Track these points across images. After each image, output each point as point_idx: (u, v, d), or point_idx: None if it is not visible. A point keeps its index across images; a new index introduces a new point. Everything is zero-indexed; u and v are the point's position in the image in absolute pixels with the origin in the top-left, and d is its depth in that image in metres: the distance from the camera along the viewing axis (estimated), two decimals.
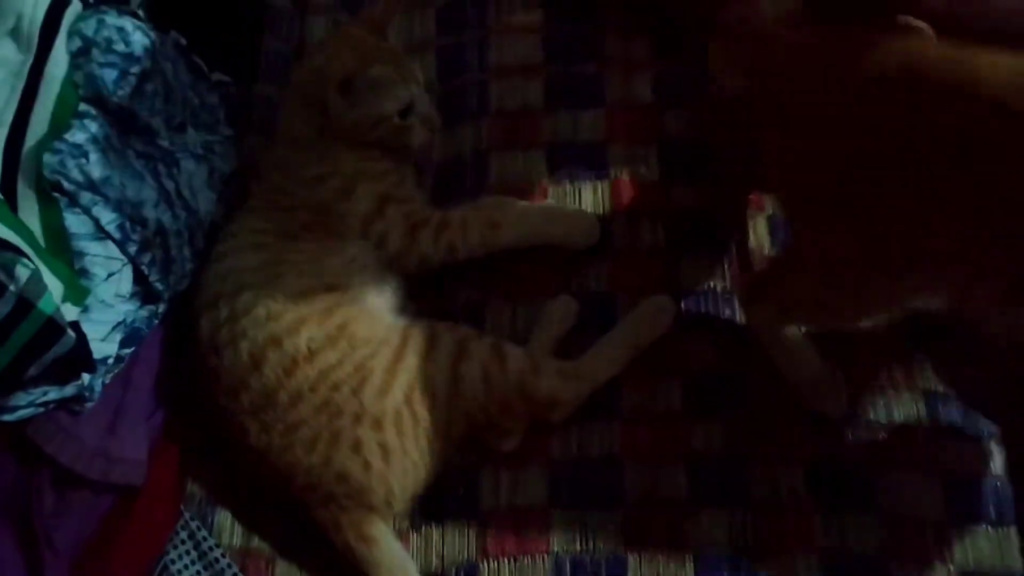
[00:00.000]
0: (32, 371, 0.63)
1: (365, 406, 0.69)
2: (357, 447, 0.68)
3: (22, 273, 0.60)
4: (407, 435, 0.70)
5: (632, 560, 0.72)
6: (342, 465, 0.68)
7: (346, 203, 0.75)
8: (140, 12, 0.80)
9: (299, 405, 0.69)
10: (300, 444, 0.68)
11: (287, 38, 0.94)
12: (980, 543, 0.73)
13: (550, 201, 0.85)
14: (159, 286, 0.70)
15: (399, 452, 0.69)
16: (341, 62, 0.75)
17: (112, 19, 0.73)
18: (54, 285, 0.63)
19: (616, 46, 0.93)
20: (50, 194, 0.65)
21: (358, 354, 0.70)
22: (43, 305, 0.61)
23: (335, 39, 0.82)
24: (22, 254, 0.61)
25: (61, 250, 0.65)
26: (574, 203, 0.85)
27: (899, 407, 0.76)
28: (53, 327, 0.62)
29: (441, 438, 0.71)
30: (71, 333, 0.63)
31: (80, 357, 0.65)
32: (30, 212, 0.66)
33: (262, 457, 0.69)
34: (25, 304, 0.60)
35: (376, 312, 0.74)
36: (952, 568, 0.72)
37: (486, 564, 0.72)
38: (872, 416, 0.76)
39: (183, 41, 0.81)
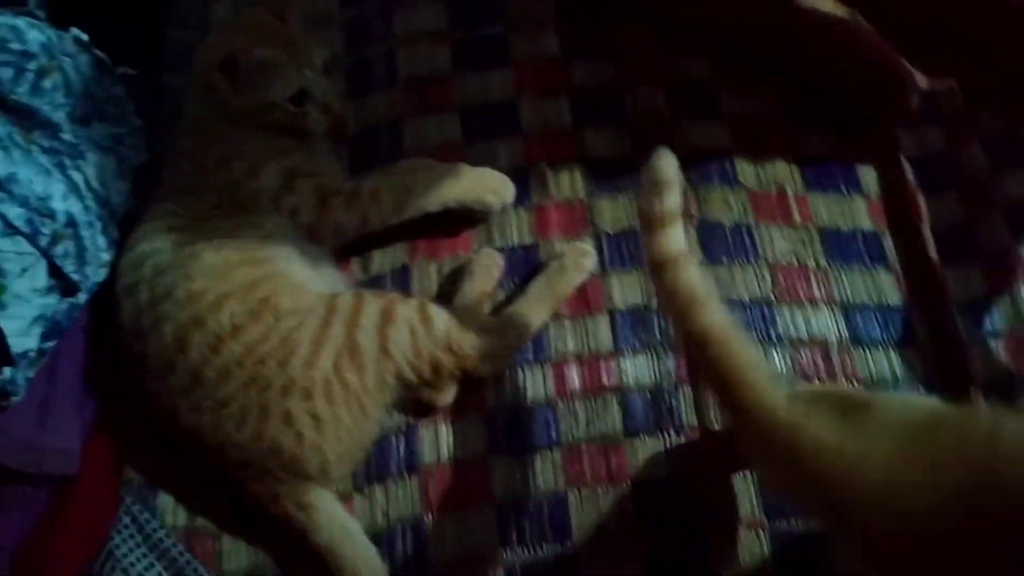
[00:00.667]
0: None
1: (293, 377, 0.69)
2: (288, 419, 0.69)
3: None
4: (338, 402, 0.70)
5: (573, 496, 0.74)
6: (274, 438, 0.69)
7: (254, 181, 0.76)
8: (39, 12, 0.80)
9: (227, 382, 0.69)
10: (230, 421, 0.69)
11: (193, 26, 0.94)
12: None
13: (463, 164, 0.86)
14: (75, 277, 0.70)
15: (331, 420, 0.70)
16: (227, 44, 0.75)
17: (5, 19, 0.73)
18: None
19: (519, 5, 0.95)
20: None
21: (283, 326, 0.71)
22: None
23: (230, 22, 0.82)
24: None
25: None
26: (490, 163, 0.86)
27: None
28: None
29: (374, 402, 0.72)
30: None
31: None
32: None
33: (195, 437, 0.70)
34: None
35: (299, 283, 0.75)
36: None
37: (431, 517, 0.74)
38: None
39: (84, 37, 0.81)
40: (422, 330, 0.73)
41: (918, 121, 0.90)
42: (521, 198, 0.85)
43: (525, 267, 0.82)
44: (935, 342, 0.80)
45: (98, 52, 0.81)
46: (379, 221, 0.79)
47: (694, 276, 0.59)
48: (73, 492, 0.68)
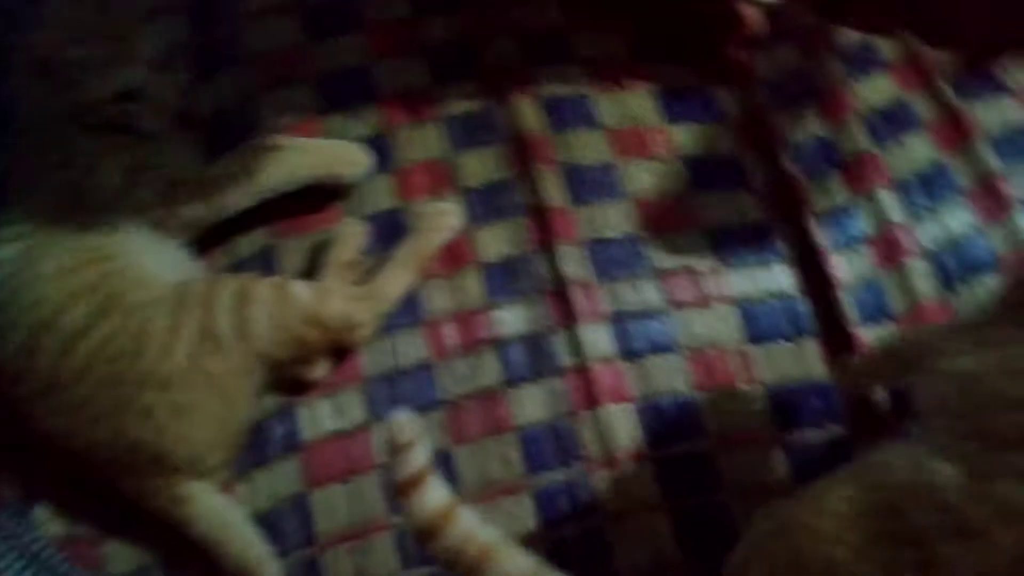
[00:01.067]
0: None
1: (149, 370, 0.68)
2: (147, 413, 0.68)
3: None
4: (200, 390, 0.69)
5: (459, 452, 0.74)
6: (135, 434, 0.67)
7: (94, 180, 0.73)
8: None
9: (82, 383, 0.67)
10: (90, 421, 0.67)
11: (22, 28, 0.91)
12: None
13: (312, 139, 0.84)
14: None
15: (194, 409, 0.69)
16: (41, 43, 0.73)
17: None
18: None
19: None
20: None
21: (134, 321, 0.69)
22: None
23: (51, 18, 0.79)
24: None
25: None
26: (349, 131, 0.85)
27: None
28: None
29: (240, 386, 0.71)
30: None
31: None
32: None
33: (59, 442, 0.68)
34: None
35: (151, 276, 0.73)
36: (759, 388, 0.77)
37: (317, 492, 0.73)
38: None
39: None
40: (282, 307, 0.72)
41: (771, 41, 0.90)
42: (384, 163, 0.84)
43: (394, 232, 0.81)
44: (799, 252, 0.81)
45: None
46: (230, 206, 0.78)
47: (471, 523, 0.58)
48: None
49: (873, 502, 0.50)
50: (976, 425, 0.48)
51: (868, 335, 0.77)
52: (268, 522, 0.72)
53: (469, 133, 0.86)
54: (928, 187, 0.84)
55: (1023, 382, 0.47)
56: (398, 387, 0.76)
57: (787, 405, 0.77)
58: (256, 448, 0.75)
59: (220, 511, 0.70)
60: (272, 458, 0.74)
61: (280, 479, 0.74)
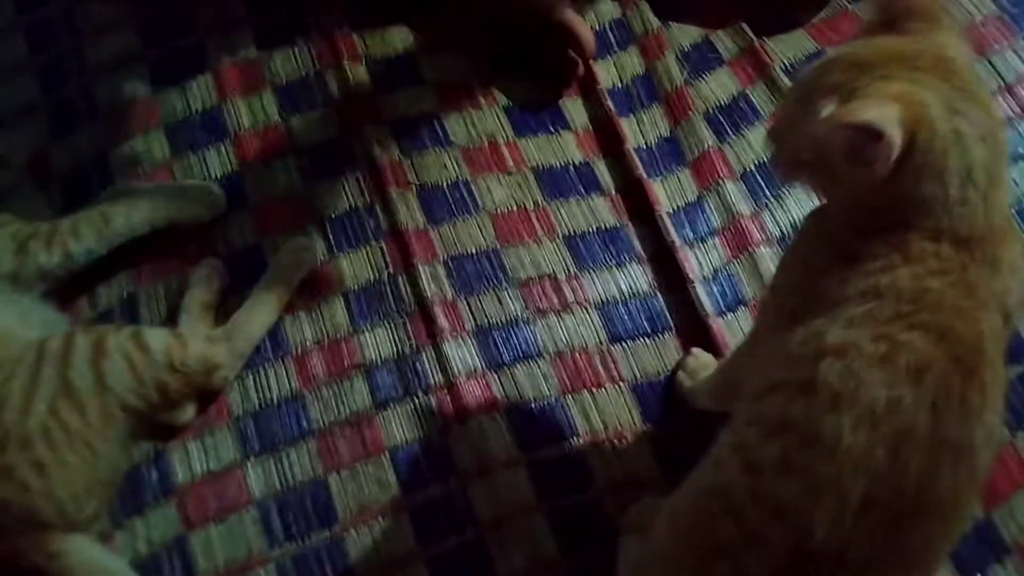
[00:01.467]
0: None
1: (8, 429, 0.68)
2: (8, 472, 0.67)
3: None
4: (61, 446, 0.69)
5: (333, 479, 0.75)
6: (0, 495, 0.68)
7: None
8: None
9: None
10: None
11: None
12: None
13: (166, 183, 0.85)
14: None
15: (57, 464, 0.68)
16: None
17: None
18: None
19: (209, 13, 0.93)
20: None
21: None
22: None
23: None
24: None
25: None
26: (202, 172, 0.86)
27: None
28: None
29: (103, 437, 0.71)
30: None
31: None
32: None
33: None
34: None
35: (8, 335, 0.73)
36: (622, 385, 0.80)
37: (194, 534, 0.73)
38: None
39: None
40: (139, 356, 0.72)
41: (613, 49, 0.95)
42: (241, 199, 0.85)
43: (254, 268, 0.81)
44: (653, 252, 0.85)
45: None
46: (85, 253, 0.78)
47: None
48: None
49: (698, 511, 0.52)
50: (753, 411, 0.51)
51: (723, 324, 0.81)
52: (149, 568, 0.72)
53: (324, 163, 0.87)
54: (771, 176, 0.88)
55: (776, 368, 0.51)
56: (268, 422, 0.77)
57: (650, 399, 0.80)
58: (132, 495, 0.74)
59: (97, 562, 0.70)
60: (148, 504, 0.74)
61: (158, 524, 0.74)
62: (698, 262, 0.84)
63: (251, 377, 0.78)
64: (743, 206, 0.86)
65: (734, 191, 0.87)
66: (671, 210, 0.86)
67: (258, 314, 0.78)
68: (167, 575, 0.72)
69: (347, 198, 0.85)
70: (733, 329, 0.81)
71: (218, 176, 0.85)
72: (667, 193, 0.87)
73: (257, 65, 0.91)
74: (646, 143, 0.90)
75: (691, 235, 0.85)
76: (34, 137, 0.89)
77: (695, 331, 0.81)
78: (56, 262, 0.77)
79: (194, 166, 0.86)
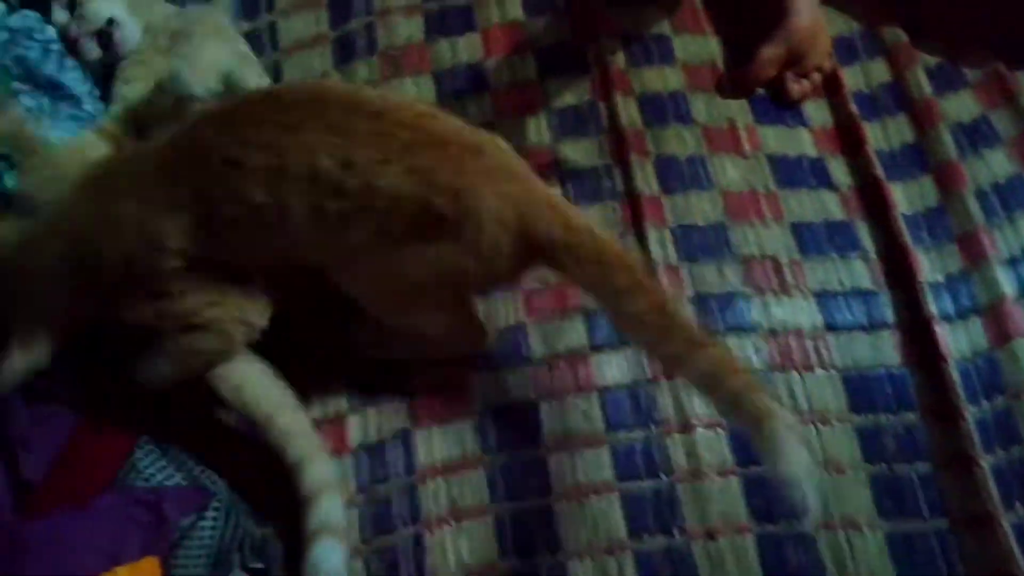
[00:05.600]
0: None
1: None
2: None
3: None
4: None
5: (544, 405, 0.81)
6: None
7: None
8: None
9: None
10: None
11: None
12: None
13: None
14: None
15: None
16: None
17: (32, 15, 0.85)
18: None
19: None
20: None
21: None
22: None
23: None
24: None
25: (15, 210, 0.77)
26: (461, 118, 0.92)
27: None
28: None
29: None
30: None
31: None
32: None
33: None
34: None
35: None
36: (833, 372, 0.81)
37: (418, 431, 0.81)
38: None
39: None
40: None
41: (861, 55, 0.96)
42: None
43: None
44: (884, 253, 0.86)
45: None
46: None
47: None
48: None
49: None
50: None
51: (948, 331, 0.81)
52: (376, 451, 0.80)
53: (572, 125, 0.94)
54: (1006, 197, 0.88)
55: None
56: (494, 343, 0.84)
57: (860, 390, 0.81)
58: (365, 389, 0.83)
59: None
60: (382, 397, 0.82)
61: (388, 417, 0.82)
62: (929, 264, 0.84)
63: (482, 305, 0.86)
64: (980, 219, 0.86)
65: (974, 205, 0.87)
66: (907, 212, 0.87)
67: None
68: (391, 459, 0.81)
69: (589, 158, 0.92)
70: (957, 333, 0.81)
71: (474, 123, 0.94)
72: (906, 196, 0.88)
73: (521, 29, 1.00)
74: (888, 147, 0.91)
75: (927, 239, 0.86)
76: (315, 67, 1.01)
77: (915, 331, 0.82)
78: None
79: (454, 110, 0.95)
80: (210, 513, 0.75)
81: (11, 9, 0.86)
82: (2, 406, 0.73)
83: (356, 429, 0.82)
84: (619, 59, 0.96)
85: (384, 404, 0.82)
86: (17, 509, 0.70)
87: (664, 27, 0.98)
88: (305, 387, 0.79)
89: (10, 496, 0.69)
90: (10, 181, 0.75)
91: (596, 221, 0.87)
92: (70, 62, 0.83)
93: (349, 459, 0.80)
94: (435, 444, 0.80)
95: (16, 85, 0.80)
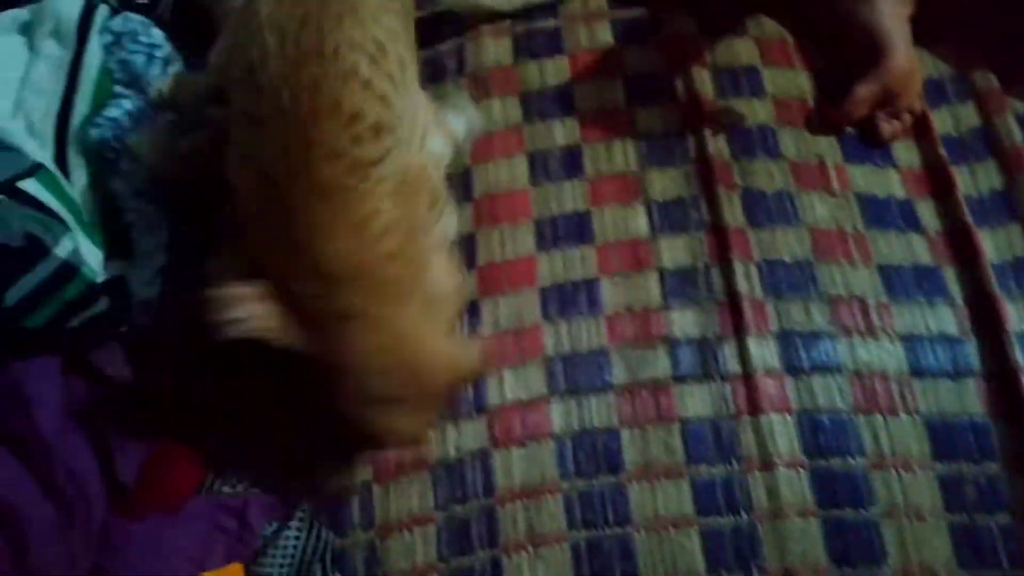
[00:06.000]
0: (73, 322, 0.74)
1: None
2: None
3: (66, 244, 0.71)
4: None
5: (625, 433, 0.81)
6: None
7: None
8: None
9: None
10: None
11: None
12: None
13: None
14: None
15: None
16: None
17: (135, 17, 0.86)
18: (95, 254, 0.75)
19: (576, 5, 1.03)
20: (97, 162, 0.77)
21: None
22: (85, 271, 0.72)
23: None
24: (67, 226, 0.73)
25: (110, 208, 0.77)
26: (547, 141, 0.95)
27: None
28: (93, 291, 0.73)
29: None
30: (104, 299, 0.73)
31: (115, 315, 0.75)
32: (81, 177, 0.78)
33: None
34: (69, 268, 0.70)
35: None
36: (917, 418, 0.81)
37: (497, 451, 0.82)
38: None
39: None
40: None
41: (951, 99, 0.96)
42: (579, 171, 0.94)
43: (583, 236, 0.90)
44: (971, 300, 0.85)
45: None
46: None
47: None
48: None
49: None
50: None
51: None
52: (455, 470, 0.80)
53: (659, 154, 0.94)
54: None
55: None
56: (575, 367, 0.84)
57: (943, 437, 0.80)
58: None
59: None
60: (462, 416, 0.83)
61: (468, 435, 0.82)
62: (1017, 314, 0.84)
63: (565, 325, 0.86)
64: None
65: None
66: (996, 261, 0.86)
67: None
68: (469, 480, 0.81)
69: (676, 188, 0.92)
70: None
71: (560, 146, 0.95)
72: (994, 244, 0.88)
73: (609, 55, 1.00)
74: (976, 193, 0.91)
75: (1015, 289, 0.85)
76: None
77: (1001, 380, 0.81)
78: None
79: (540, 132, 0.96)
80: (294, 523, 0.76)
81: (114, 12, 0.87)
82: (96, 408, 0.74)
83: (434, 445, 0.82)
84: (708, 89, 0.96)
85: (462, 422, 0.83)
86: (111, 510, 0.71)
87: (754, 59, 0.98)
88: None
89: (105, 497, 0.70)
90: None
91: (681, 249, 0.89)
92: (172, 69, 0.84)
93: (427, 475, 0.81)
94: (514, 466, 0.81)
95: (118, 89, 0.81)
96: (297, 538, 0.75)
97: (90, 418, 0.72)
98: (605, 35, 1.01)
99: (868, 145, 0.91)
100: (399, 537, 0.78)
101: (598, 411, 0.82)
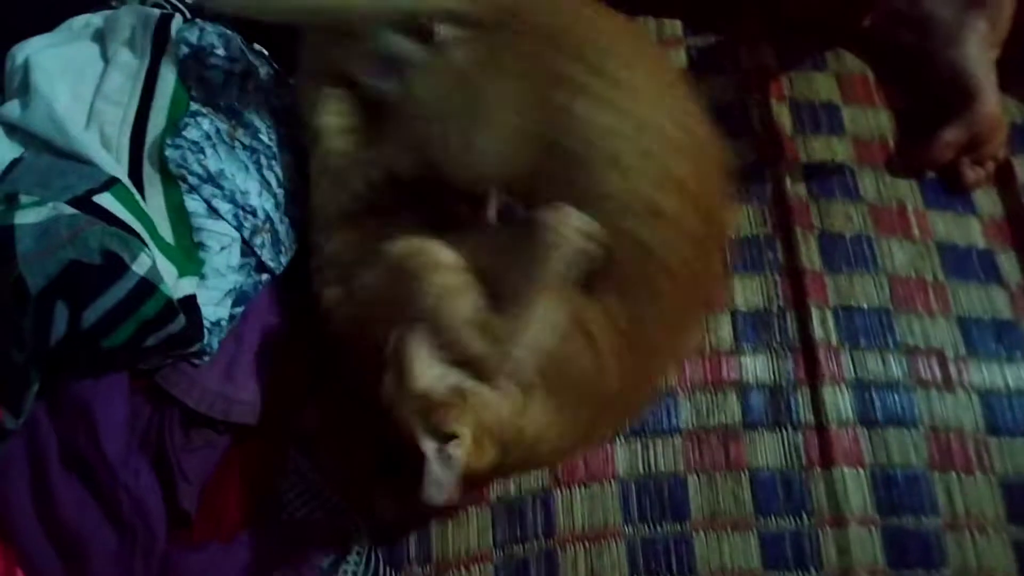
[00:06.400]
0: (150, 341, 0.73)
1: None
2: None
3: (144, 260, 0.69)
4: None
5: (692, 479, 0.79)
6: None
7: None
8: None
9: None
10: None
11: None
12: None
13: None
14: (271, 264, 0.78)
15: None
16: None
17: (212, 28, 0.83)
18: (169, 270, 0.73)
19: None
20: (172, 178, 0.75)
21: None
22: (164, 288, 0.69)
23: None
24: (143, 242, 0.71)
25: (183, 225, 0.75)
26: None
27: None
28: (171, 308, 0.70)
29: None
30: (182, 317, 0.71)
31: (190, 334, 0.74)
32: (155, 193, 0.75)
33: None
34: (148, 285, 0.68)
35: None
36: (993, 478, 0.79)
37: (559, 491, 0.80)
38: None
39: (264, 51, 0.90)
40: None
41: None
42: None
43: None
44: None
45: (274, 63, 0.91)
46: None
47: None
48: (248, 440, 0.77)
49: None
50: None
51: None
52: (515, 508, 0.79)
53: (732, 187, 0.92)
54: None
55: None
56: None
57: (1019, 499, 0.78)
58: None
59: None
60: None
61: (529, 476, 0.80)
62: None
63: None
64: None
65: None
66: None
67: None
68: (529, 519, 0.79)
69: (751, 225, 0.89)
70: None
71: None
72: None
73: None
74: None
75: None
76: None
77: None
78: None
79: None
80: (352, 556, 0.74)
81: (185, 19, 0.85)
82: (160, 430, 0.72)
83: (496, 482, 0.81)
84: (786, 124, 0.93)
85: None
86: (171, 538, 0.69)
87: (834, 95, 0.95)
88: None
89: (166, 524, 0.69)
90: None
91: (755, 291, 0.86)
92: (251, 85, 0.82)
93: (487, 512, 0.79)
94: (576, 509, 0.79)
95: (194, 107, 0.79)
96: (355, 572, 0.74)
97: (155, 443, 0.71)
98: (680, 62, 0.98)
99: (951, 191, 0.89)
100: (456, 575, 0.77)
101: (664, 455, 0.80)
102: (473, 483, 0.61)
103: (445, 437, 0.57)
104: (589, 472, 0.80)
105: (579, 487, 0.80)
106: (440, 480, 0.56)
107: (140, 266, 0.66)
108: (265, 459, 0.77)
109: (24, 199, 0.67)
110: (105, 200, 0.70)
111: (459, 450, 0.56)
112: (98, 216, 0.68)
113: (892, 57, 0.92)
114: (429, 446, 0.57)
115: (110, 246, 0.65)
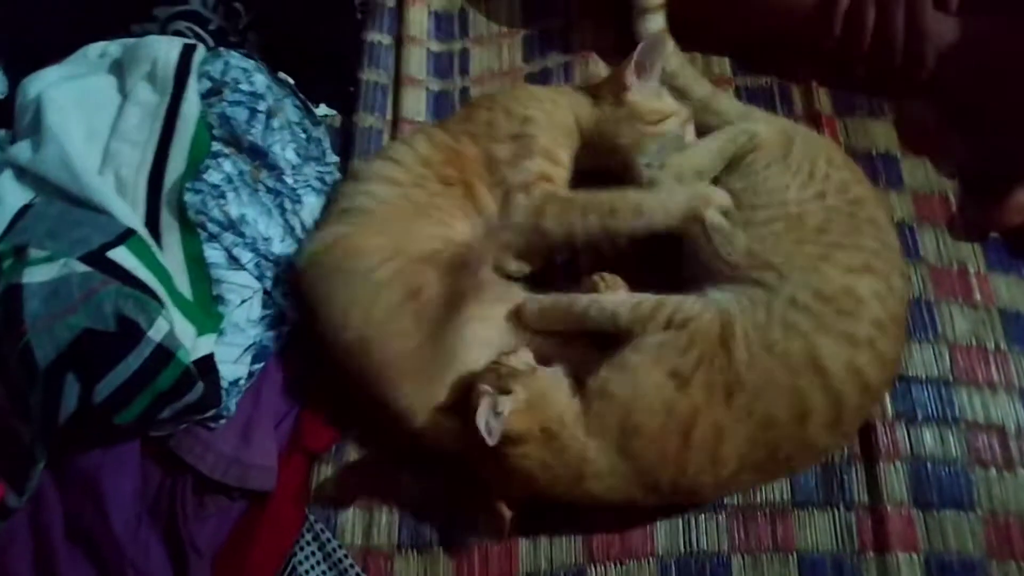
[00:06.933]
0: (165, 413, 0.68)
1: None
2: None
3: (162, 324, 0.64)
4: None
5: (736, 560, 0.74)
6: None
7: None
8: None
9: None
10: None
11: (383, 69, 1.00)
12: None
13: None
14: (291, 314, 0.75)
15: None
16: None
17: (236, 61, 0.78)
18: (187, 330, 0.68)
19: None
20: (191, 225, 0.71)
21: None
22: (181, 355, 0.65)
23: None
24: (160, 302, 0.66)
25: (202, 278, 0.71)
26: None
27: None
28: (188, 377, 0.66)
29: None
30: (200, 385, 0.67)
31: (208, 401, 0.69)
32: (173, 242, 0.71)
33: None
34: (165, 353, 0.64)
35: None
36: None
37: (593, 568, 0.75)
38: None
39: (289, 80, 0.85)
40: None
41: None
42: None
43: None
44: None
45: (300, 95, 0.86)
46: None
47: None
48: (265, 507, 0.72)
49: None
50: None
51: None
52: None
53: None
54: None
55: None
56: None
57: None
58: (539, 511, 0.76)
59: None
60: (555, 523, 0.76)
61: (562, 548, 0.76)
62: None
63: None
64: None
65: None
66: None
67: None
68: None
69: None
70: None
71: None
72: None
73: None
74: None
75: None
76: None
77: None
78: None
79: None
80: None
81: (208, 48, 0.80)
82: (172, 497, 0.68)
83: (526, 555, 0.76)
84: None
85: (558, 533, 0.76)
86: None
87: (892, 145, 0.90)
88: (471, 506, 0.74)
89: None
90: None
91: None
92: (276, 122, 0.77)
93: None
94: None
95: (217, 147, 0.74)
96: None
97: (166, 512, 0.67)
98: None
99: (1015, 253, 0.84)
100: None
101: (707, 533, 0.75)
102: (515, 444, 0.68)
103: (502, 391, 0.68)
104: (625, 547, 0.75)
105: (615, 564, 0.75)
106: (486, 419, 0.65)
107: (157, 332, 0.62)
108: (281, 527, 0.73)
109: (34, 254, 0.63)
110: (120, 255, 0.65)
111: (508, 405, 0.67)
112: (112, 274, 0.63)
113: (968, 103, 0.87)
114: (486, 389, 0.67)
115: (125, 310, 0.61)
